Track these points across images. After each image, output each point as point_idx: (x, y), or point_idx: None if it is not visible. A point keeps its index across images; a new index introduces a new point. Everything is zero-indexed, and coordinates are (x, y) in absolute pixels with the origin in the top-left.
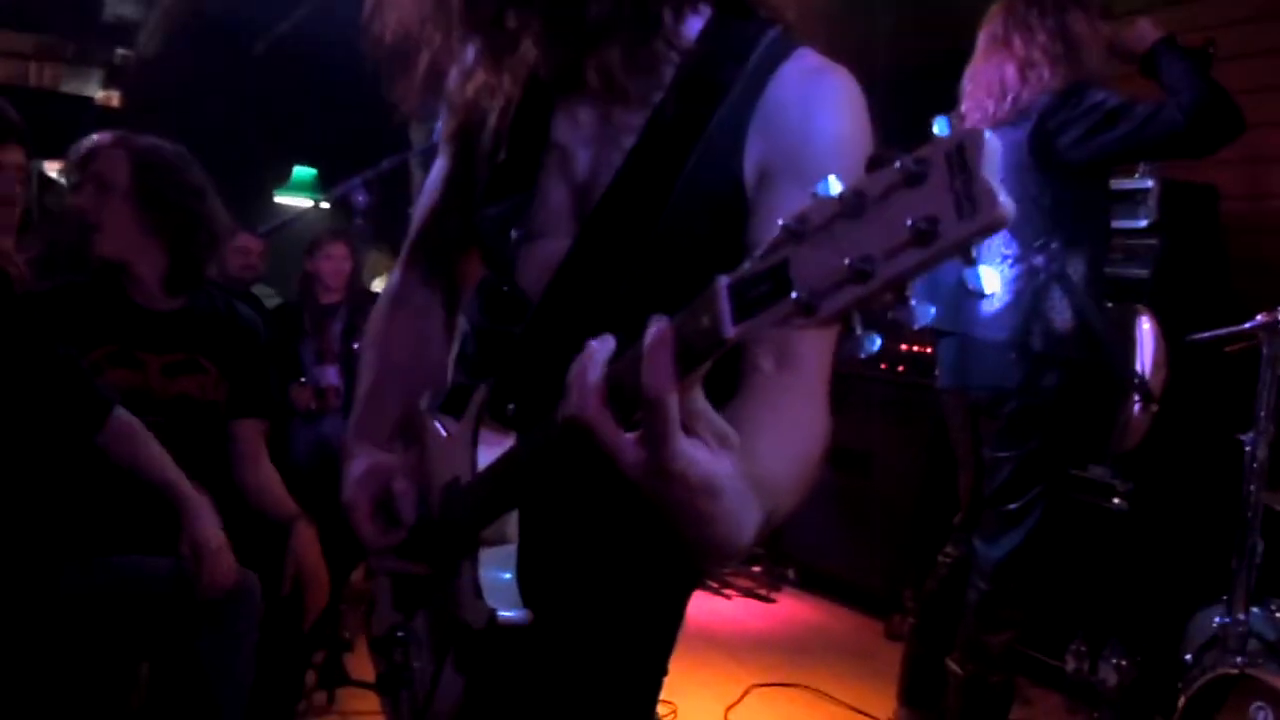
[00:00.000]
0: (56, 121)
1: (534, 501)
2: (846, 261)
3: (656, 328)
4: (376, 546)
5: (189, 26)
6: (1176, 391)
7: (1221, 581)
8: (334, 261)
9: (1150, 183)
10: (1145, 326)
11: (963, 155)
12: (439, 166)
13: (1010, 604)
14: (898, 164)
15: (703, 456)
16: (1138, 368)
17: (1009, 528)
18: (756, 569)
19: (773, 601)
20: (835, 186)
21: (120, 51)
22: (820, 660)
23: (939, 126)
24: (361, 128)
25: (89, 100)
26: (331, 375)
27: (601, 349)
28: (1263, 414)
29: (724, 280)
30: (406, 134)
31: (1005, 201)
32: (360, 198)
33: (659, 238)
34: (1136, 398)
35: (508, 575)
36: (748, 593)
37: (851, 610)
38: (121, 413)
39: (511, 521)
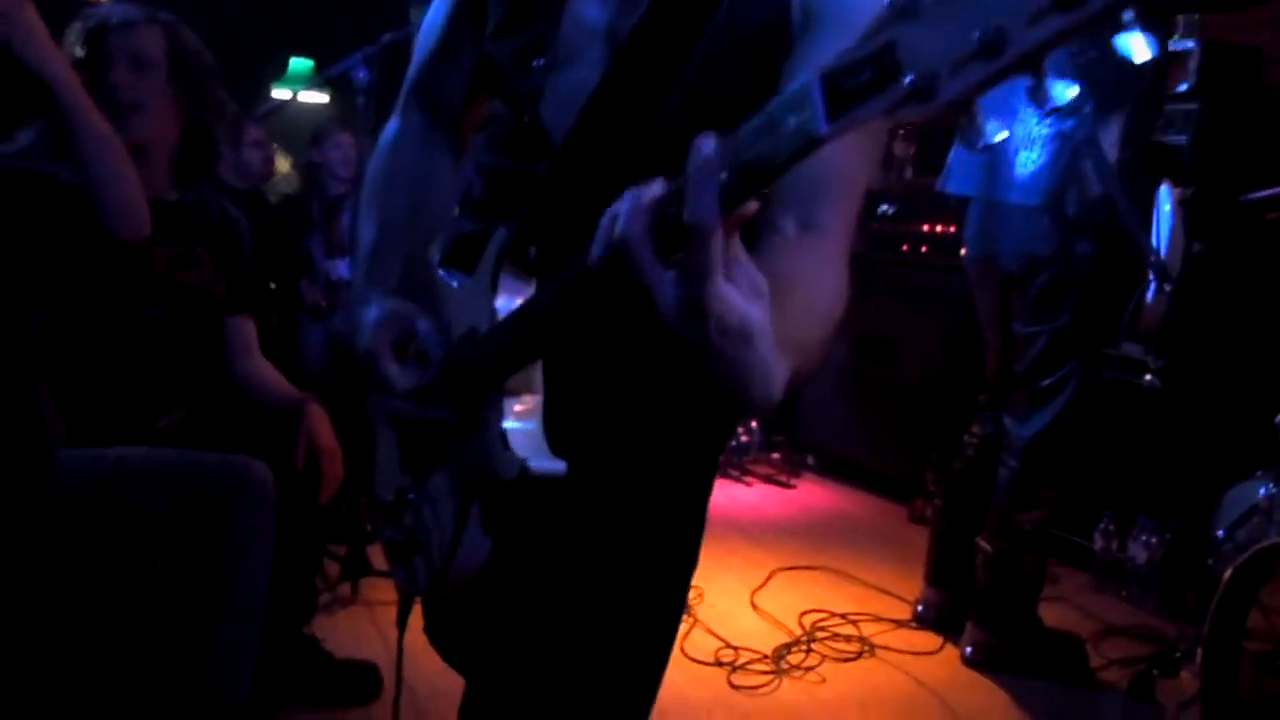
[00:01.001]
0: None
1: (560, 348)
2: (976, 35)
3: (704, 150)
4: (401, 390)
5: None
6: (1210, 265)
7: (1253, 459)
8: (341, 150)
9: (1191, 44)
10: (1167, 205)
11: None
12: (440, 5)
13: (1042, 482)
14: None
15: (739, 301)
16: (1154, 245)
17: (1041, 405)
18: (776, 456)
19: (793, 488)
20: None
21: None
22: (843, 544)
23: None
24: (359, 16)
25: None
26: (342, 269)
27: (653, 185)
28: None
29: (816, 74)
30: (406, 15)
31: None
32: (361, 74)
33: (696, 69)
34: (1152, 277)
35: (534, 425)
36: (768, 479)
37: (872, 495)
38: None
39: (536, 370)
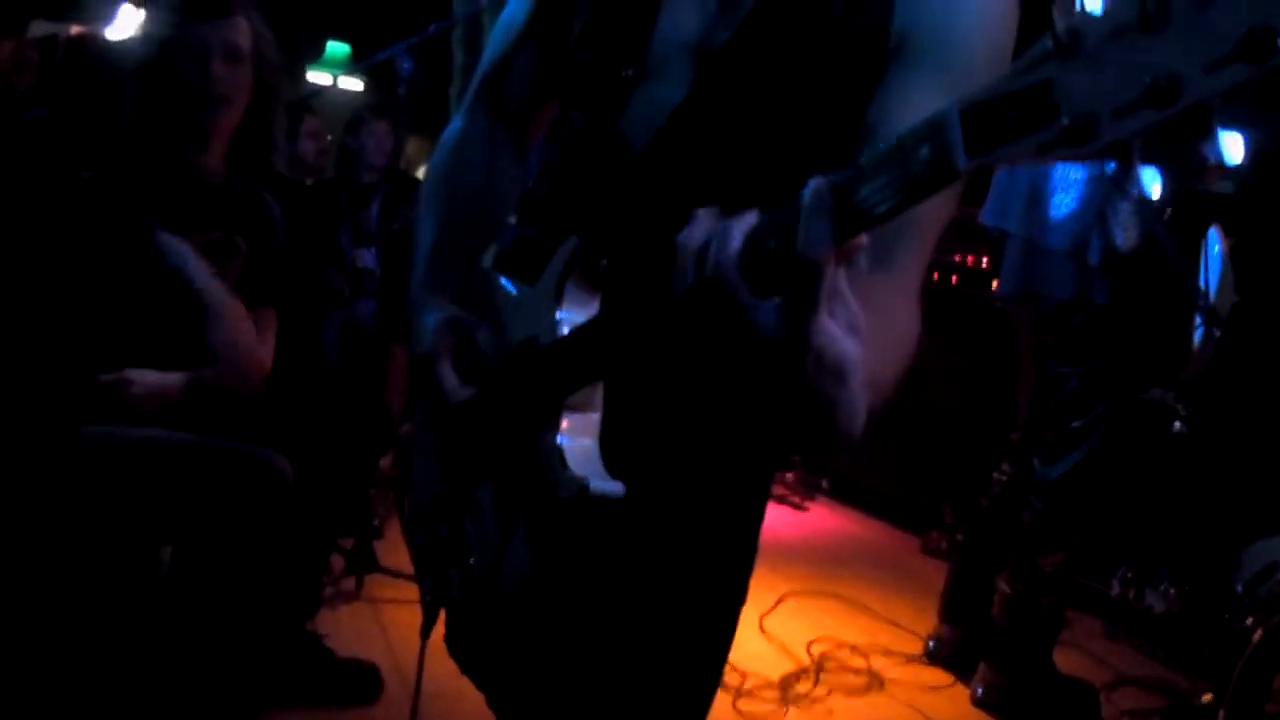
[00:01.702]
0: None
1: (625, 369)
2: (1143, 80)
3: (817, 185)
4: (455, 402)
5: None
6: (1248, 314)
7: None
8: (377, 138)
9: None
10: (1216, 248)
11: None
12: (522, 3)
13: (1066, 525)
14: None
15: (840, 336)
16: (1203, 289)
17: (1070, 447)
18: (790, 476)
19: (805, 510)
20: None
21: None
22: (854, 572)
23: None
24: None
25: None
26: (368, 259)
27: (745, 216)
28: None
29: (955, 106)
30: (449, 4)
31: None
32: (405, 64)
33: (784, 92)
34: (1200, 321)
35: (591, 444)
36: (781, 499)
37: (885, 524)
38: (164, 236)
39: (598, 387)
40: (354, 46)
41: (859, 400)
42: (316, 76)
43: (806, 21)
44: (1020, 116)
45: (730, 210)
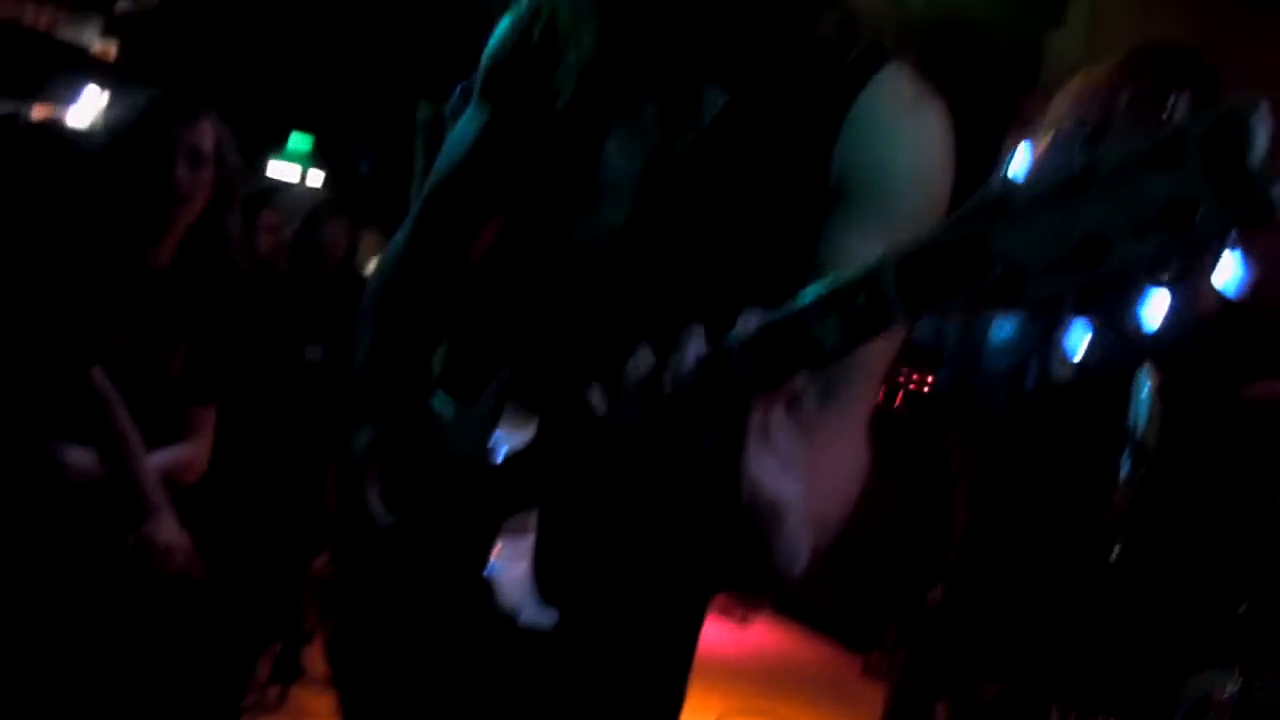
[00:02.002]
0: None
1: (560, 495)
2: (1071, 240)
3: (745, 329)
4: (381, 526)
5: None
6: (1177, 448)
7: (1215, 646)
8: (332, 234)
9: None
10: (1146, 387)
11: (1227, 135)
12: (471, 123)
13: (1002, 654)
14: (1144, 142)
15: (774, 475)
16: (1132, 424)
17: (1002, 574)
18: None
19: (747, 626)
20: (1024, 153)
21: (122, 3)
22: (794, 691)
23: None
24: (362, 98)
25: (85, 50)
26: (315, 353)
27: (692, 345)
28: None
29: (892, 256)
30: (413, 110)
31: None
32: (364, 166)
33: (724, 224)
34: (1129, 455)
35: (524, 569)
36: (722, 612)
37: (828, 642)
38: (98, 376)
39: (532, 512)
40: (318, 138)
41: (798, 540)
42: (279, 167)
43: (746, 158)
44: (954, 268)
45: (667, 343)
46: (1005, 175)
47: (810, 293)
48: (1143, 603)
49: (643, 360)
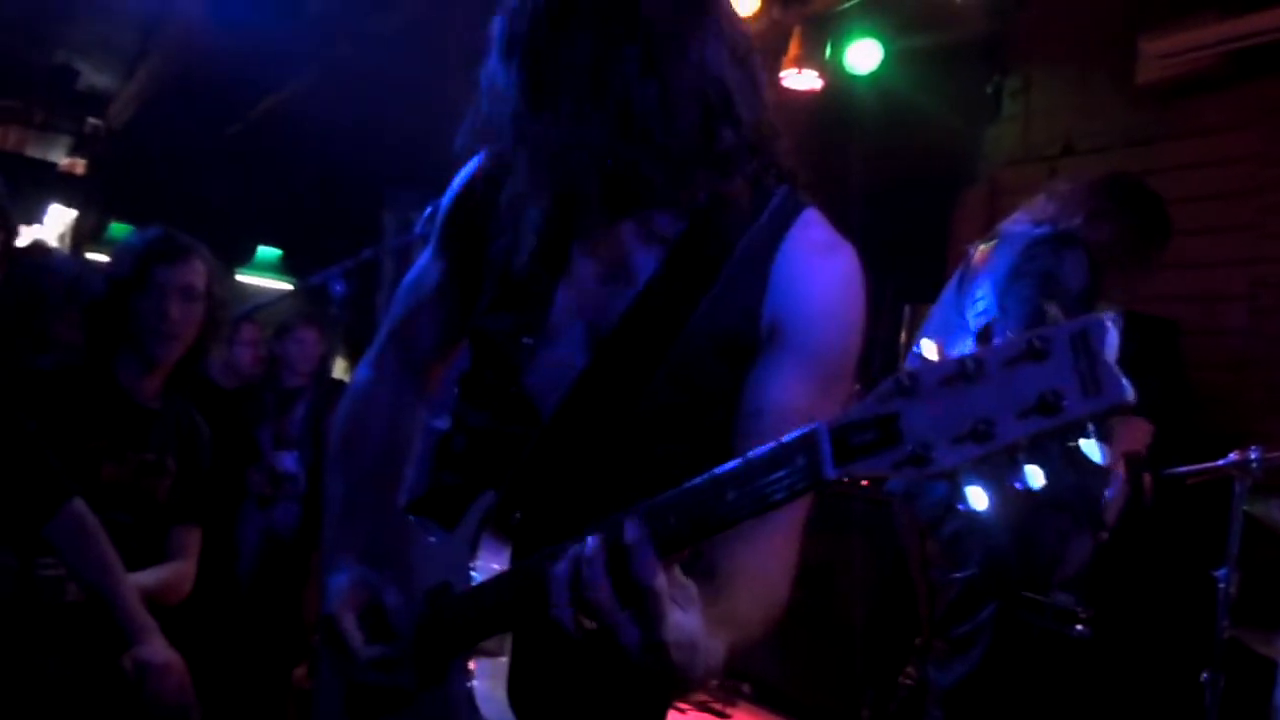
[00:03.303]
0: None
1: (530, 621)
2: (968, 420)
3: (631, 526)
4: (364, 660)
5: (163, 102)
6: (1136, 521)
7: (1179, 715)
8: (303, 346)
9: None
10: (1096, 459)
11: (1086, 339)
12: (432, 268)
13: None
14: (1023, 339)
15: (681, 620)
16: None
17: (958, 653)
18: (712, 682)
19: (727, 717)
20: (931, 350)
21: (91, 121)
22: None
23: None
24: (329, 212)
25: (53, 166)
26: (289, 461)
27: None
28: (1234, 550)
29: (824, 425)
30: (379, 221)
31: (1128, 386)
32: (338, 287)
33: (671, 371)
34: (1081, 524)
35: (499, 689)
36: (702, 706)
37: None
38: (78, 505)
39: (506, 635)
40: (285, 250)
41: (711, 652)
42: (246, 279)
43: (686, 302)
44: (876, 438)
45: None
46: (920, 357)
47: (752, 456)
48: (1112, 673)
49: (567, 562)
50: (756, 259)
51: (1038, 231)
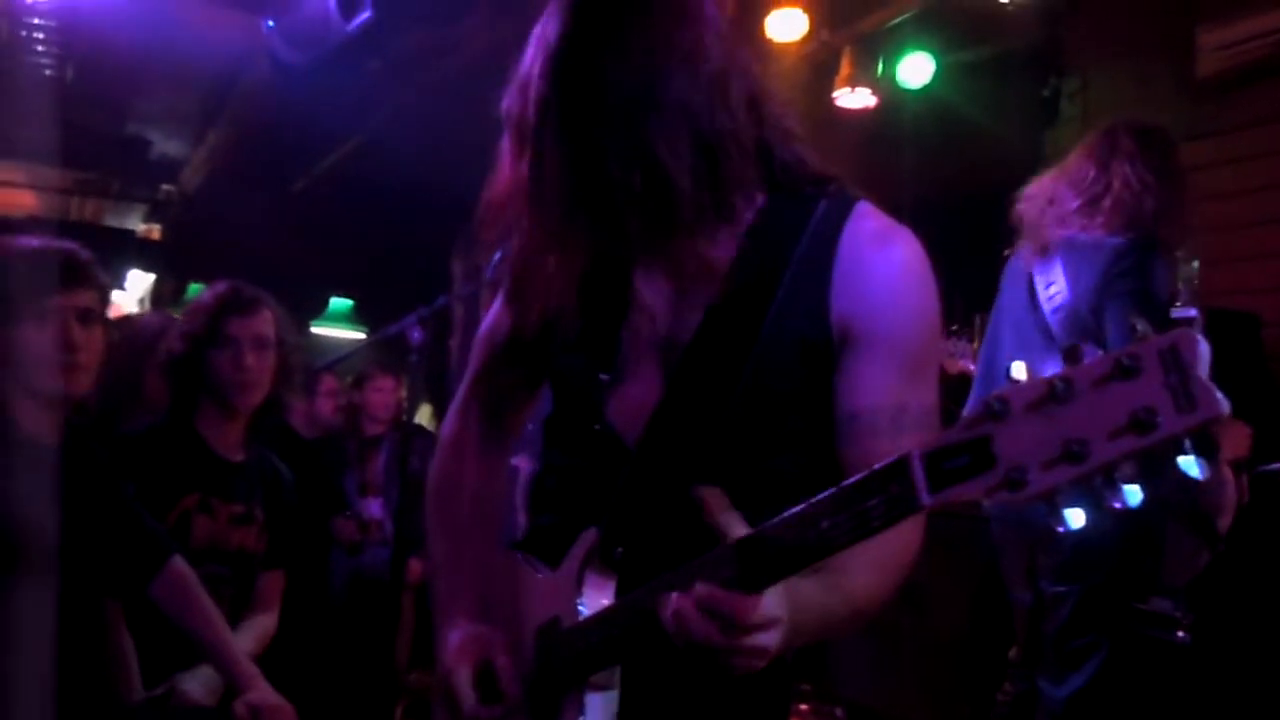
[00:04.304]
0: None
1: (639, 655)
2: (1060, 442)
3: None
4: (475, 716)
5: (232, 164)
6: (1238, 522)
7: None
8: (382, 394)
9: (1193, 312)
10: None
11: (1176, 354)
12: (501, 320)
13: None
14: (1112, 357)
15: (765, 642)
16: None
17: (1074, 666)
18: (804, 707)
19: None
20: (1020, 371)
21: (164, 187)
22: None
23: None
24: (397, 261)
25: (131, 233)
26: (374, 508)
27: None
28: None
29: (916, 452)
30: (447, 268)
31: (1223, 399)
32: (415, 334)
33: (749, 385)
34: (1191, 529)
35: None
36: None
37: None
38: (179, 562)
39: (615, 669)
40: (355, 301)
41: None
42: (321, 330)
43: (754, 315)
44: (969, 463)
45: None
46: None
47: (840, 488)
48: (1213, 679)
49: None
50: (817, 260)
51: (1116, 242)
